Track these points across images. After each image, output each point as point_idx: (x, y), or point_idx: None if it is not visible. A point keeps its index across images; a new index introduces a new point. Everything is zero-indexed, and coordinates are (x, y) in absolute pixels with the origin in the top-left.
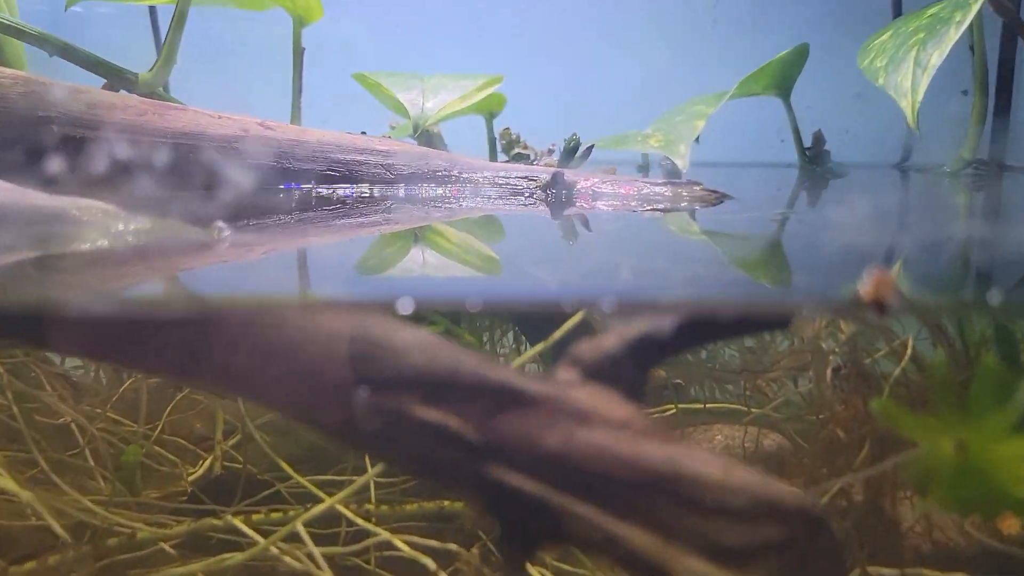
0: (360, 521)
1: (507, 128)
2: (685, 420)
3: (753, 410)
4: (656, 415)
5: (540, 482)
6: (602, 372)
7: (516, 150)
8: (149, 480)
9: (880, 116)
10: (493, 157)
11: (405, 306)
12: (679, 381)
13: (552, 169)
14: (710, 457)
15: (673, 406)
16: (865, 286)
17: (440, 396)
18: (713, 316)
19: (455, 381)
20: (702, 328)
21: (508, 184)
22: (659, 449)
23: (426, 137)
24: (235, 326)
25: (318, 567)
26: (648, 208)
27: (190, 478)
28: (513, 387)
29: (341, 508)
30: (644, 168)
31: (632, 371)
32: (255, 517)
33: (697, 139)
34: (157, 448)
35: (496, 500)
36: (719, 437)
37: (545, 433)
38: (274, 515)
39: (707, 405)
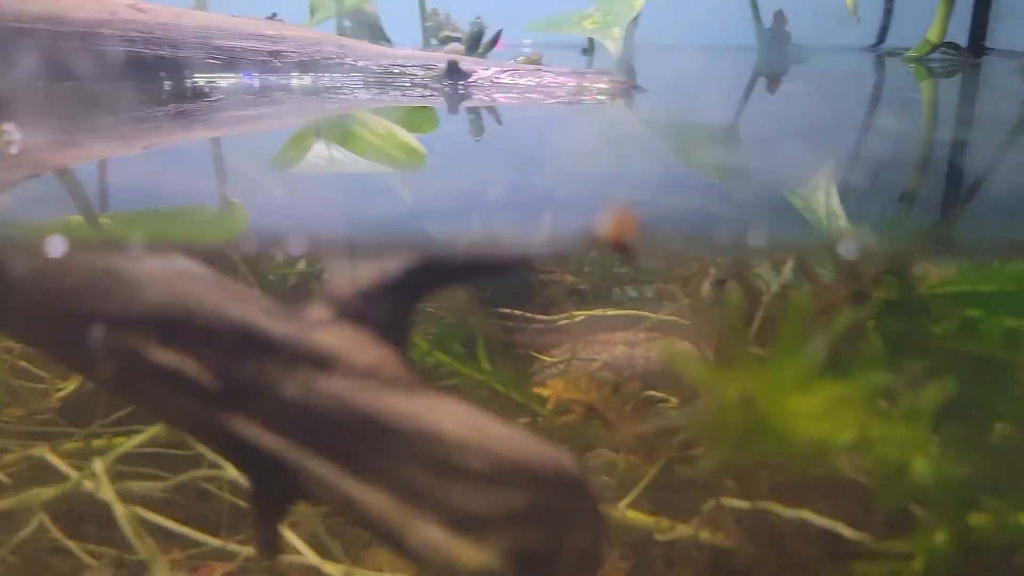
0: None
1: (435, 9)
2: (594, 326)
3: (652, 316)
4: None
5: (279, 435)
6: (356, 310)
7: (445, 33)
8: (16, 397)
9: None
10: (427, 42)
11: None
12: (584, 286)
13: (448, 57)
14: (461, 411)
15: (569, 316)
16: (603, 224)
17: (178, 336)
18: (484, 252)
19: (193, 320)
20: (476, 263)
21: (405, 74)
22: (403, 402)
23: (361, 19)
24: None
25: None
26: (551, 101)
27: (59, 394)
28: (254, 327)
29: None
30: (590, 52)
31: (391, 309)
32: (68, 446)
33: (636, 19)
34: (24, 363)
35: (236, 452)
36: (620, 347)
37: (284, 380)
38: (98, 443)
39: (607, 311)
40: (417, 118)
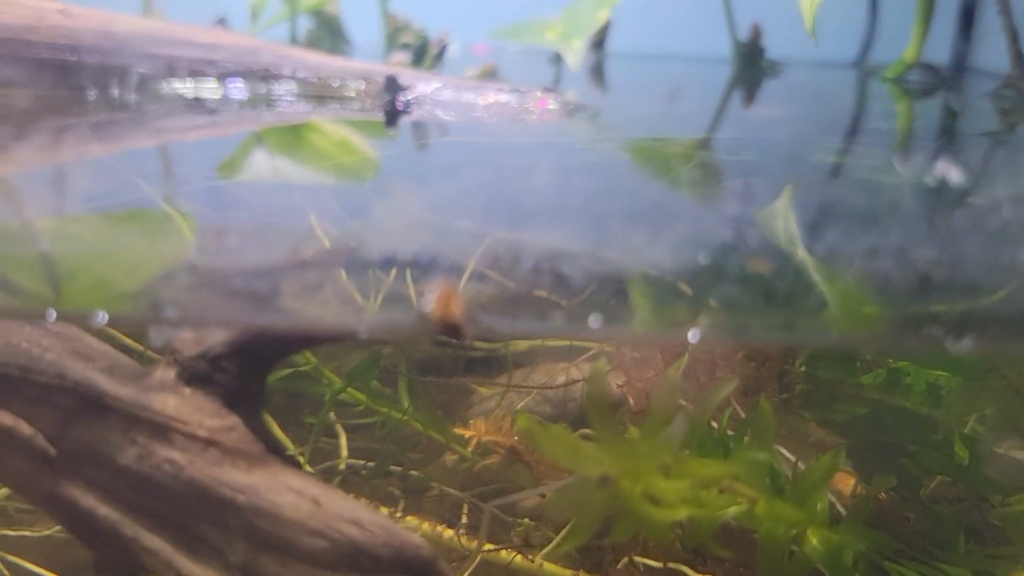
0: None
1: (392, 15)
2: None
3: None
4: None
5: (114, 505)
6: (201, 373)
7: (404, 40)
8: None
9: (835, 5)
10: (389, 47)
11: None
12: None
13: (388, 71)
14: (305, 487)
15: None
16: (429, 303)
17: (13, 395)
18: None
19: (31, 376)
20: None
21: (344, 86)
22: (243, 476)
23: (321, 21)
24: None
25: None
26: (491, 119)
27: None
28: (93, 388)
29: None
30: (558, 61)
31: (239, 373)
32: None
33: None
34: None
35: (72, 523)
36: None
37: (122, 447)
38: None
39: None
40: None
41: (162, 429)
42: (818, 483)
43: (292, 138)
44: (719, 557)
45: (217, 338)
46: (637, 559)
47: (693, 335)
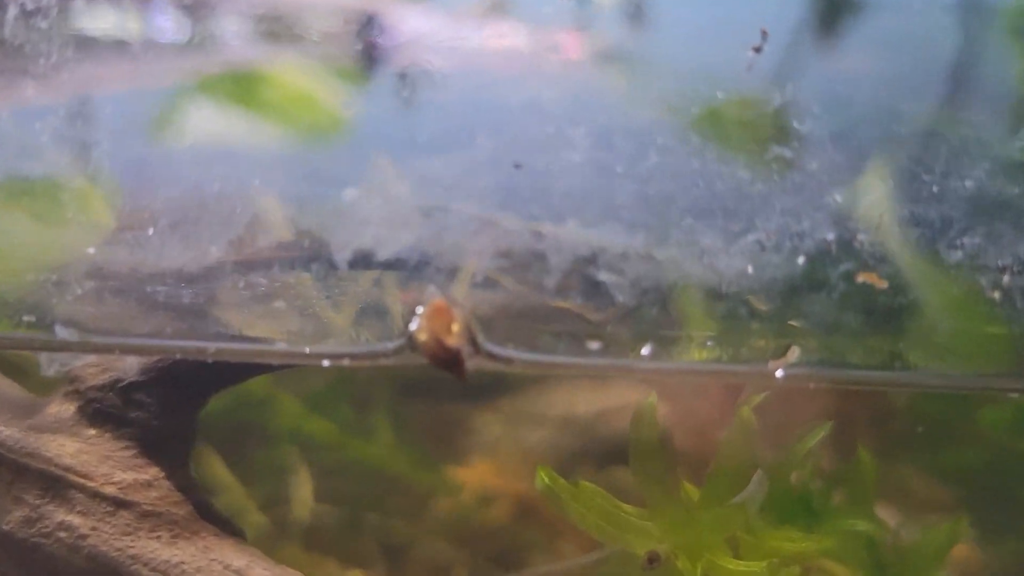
0: None
1: None
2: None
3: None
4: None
5: None
6: (110, 409)
7: None
8: None
9: None
10: None
11: None
12: None
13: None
14: (244, 566)
15: None
16: (420, 328)
17: None
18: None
19: None
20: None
21: (310, 22)
22: (165, 549)
23: None
24: None
25: None
26: (504, 68)
27: None
28: None
29: None
30: None
31: (162, 409)
32: None
33: None
34: None
35: None
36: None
37: (3, 507)
38: None
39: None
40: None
41: (57, 483)
42: (934, 559)
43: (240, 91)
44: None
45: (131, 363)
46: None
47: (779, 372)
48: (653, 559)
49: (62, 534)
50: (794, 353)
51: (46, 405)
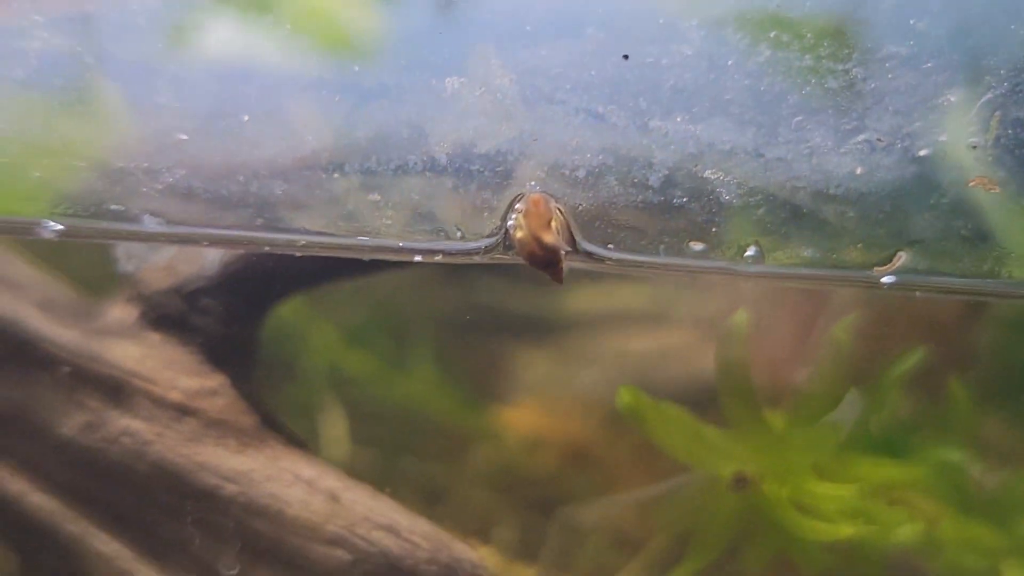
0: None
1: None
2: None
3: None
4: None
5: (53, 491)
6: (175, 314)
7: None
8: None
9: None
10: None
11: None
12: None
13: None
14: (315, 476)
15: None
16: (516, 225)
17: None
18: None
19: None
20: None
21: None
22: (233, 457)
23: None
24: None
25: None
26: None
27: None
28: (24, 329)
29: None
30: None
31: (228, 316)
32: None
33: None
34: None
35: None
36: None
37: (64, 411)
38: None
39: None
40: None
41: (121, 389)
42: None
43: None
44: None
45: (196, 267)
46: None
47: (886, 278)
48: (740, 481)
49: (126, 440)
50: (900, 259)
51: (107, 309)
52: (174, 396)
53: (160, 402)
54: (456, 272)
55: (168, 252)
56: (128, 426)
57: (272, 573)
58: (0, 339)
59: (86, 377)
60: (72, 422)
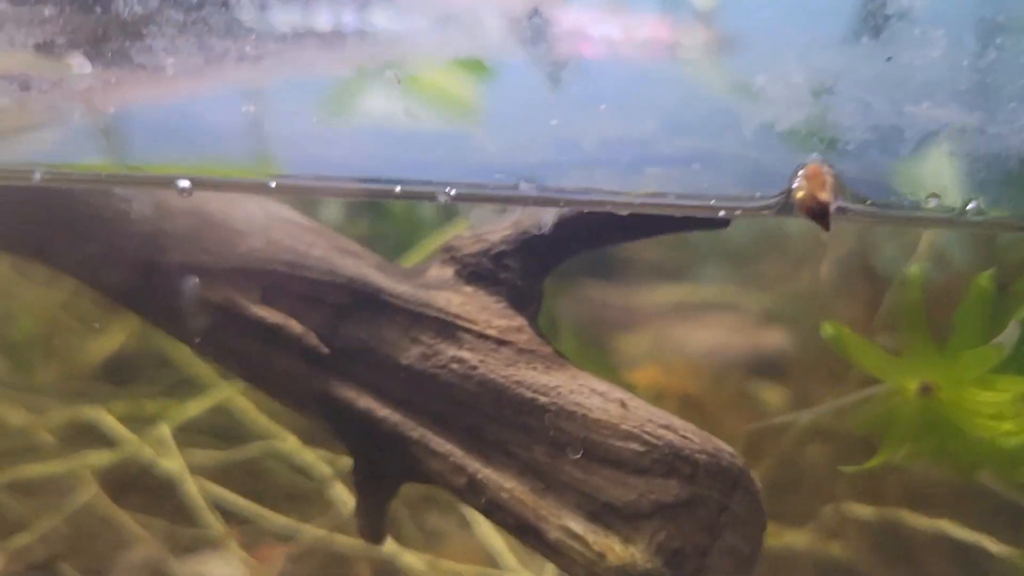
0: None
1: None
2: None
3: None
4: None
5: (395, 407)
6: (484, 271)
7: None
8: (52, 356)
9: None
10: None
11: None
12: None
13: None
14: (607, 389)
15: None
16: (799, 186)
17: (280, 292)
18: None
19: (299, 273)
20: (620, 223)
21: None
22: (542, 376)
23: None
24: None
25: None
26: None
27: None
28: (368, 284)
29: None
30: None
31: (523, 272)
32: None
33: None
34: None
35: (343, 426)
36: (716, 331)
37: (402, 346)
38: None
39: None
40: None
41: (448, 327)
42: None
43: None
44: None
45: (499, 236)
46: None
47: None
48: (926, 388)
49: (455, 366)
50: None
51: (425, 271)
52: (491, 332)
53: (480, 336)
54: None
55: None
56: (456, 355)
57: (574, 464)
58: (351, 292)
59: (419, 319)
60: (409, 353)
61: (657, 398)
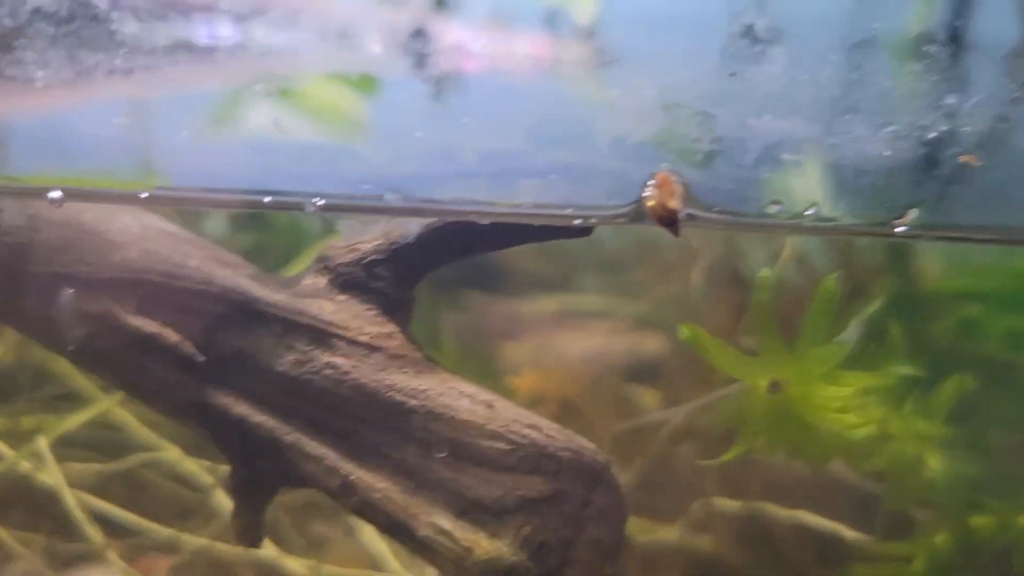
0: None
1: None
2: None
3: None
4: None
5: (270, 413)
6: (356, 280)
7: None
8: None
9: None
10: None
11: None
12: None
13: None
14: (475, 392)
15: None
16: (649, 195)
17: (156, 302)
18: (498, 220)
19: (175, 283)
20: (484, 233)
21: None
22: (412, 380)
23: None
24: None
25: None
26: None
27: None
28: (244, 294)
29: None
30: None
31: (394, 280)
32: None
33: None
34: None
35: (220, 432)
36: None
37: (277, 353)
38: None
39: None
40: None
41: (321, 335)
42: (943, 405)
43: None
44: None
45: (370, 245)
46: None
47: (900, 229)
48: (774, 385)
49: (328, 372)
50: (911, 215)
51: (300, 280)
52: (363, 338)
53: (353, 343)
54: None
55: None
56: (330, 360)
57: (443, 463)
58: (226, 301)
59: (294, 327)
60: (284, 361)
61: (536, 403)
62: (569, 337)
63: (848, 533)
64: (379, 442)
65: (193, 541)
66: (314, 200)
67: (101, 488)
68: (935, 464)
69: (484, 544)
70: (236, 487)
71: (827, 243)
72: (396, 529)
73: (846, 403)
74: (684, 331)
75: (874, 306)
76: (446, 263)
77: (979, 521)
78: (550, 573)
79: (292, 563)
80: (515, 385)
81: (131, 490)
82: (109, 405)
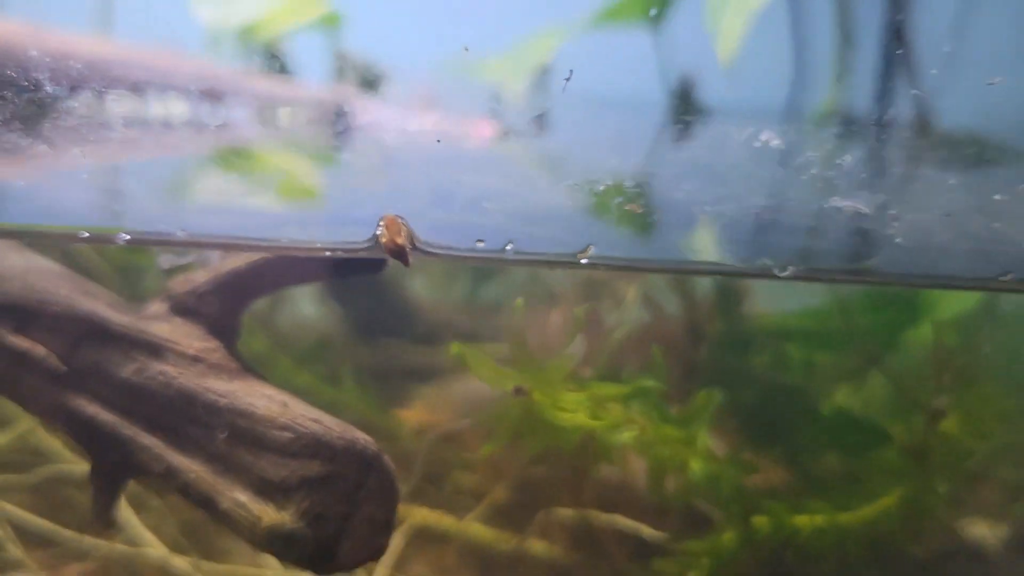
0: None
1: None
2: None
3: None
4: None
5: (115, 412)
6: (189, 306)
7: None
8: None
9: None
10: None
11: None
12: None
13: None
14: (274, 393)
15: None
16: (381, 233)
17: (30, 324)
18: (302, 259)
19: (45, 310)
20: (294, 269)
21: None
22: (225, 384)
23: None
24: None
25: None
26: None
27: None
28: (100, 317)
29: None
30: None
31: (221, 306)
32: None
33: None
34: None
35: (78, 430)
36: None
37: (122, 364)
38: None
39: None
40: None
41: (157, 348)
42: (700, 415)
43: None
44: None
45: (202, 279)
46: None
47: (584, 260)
48: (519, 391)
49: (160, 377)
50: (590, 250)
51: (148, 306)
52: (190, 351)
53: (182, 355)
54: None
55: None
56: (162, 368)
57: (245, 450)
58: (86, 323)
59: (137, 342)
60: (127, 369)
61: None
62: (458, 376)
63: (648, 532)
64: (197, 434)
65: (110, 548)
66: (122, 235)
67: (18, 500)
68: (697, 467)
69: (271, 514)
70: (93, 479)
71: (673, 285)
72: (206, 503)
73: (578, 405)
74: (453, 348)
75: (622, 330)
76: (265, 294)
77: (760, 521)
78: (327, 540)
79: (180, 561)
80: (403, 416)
81: (46, 502)
82: (29, 424)
